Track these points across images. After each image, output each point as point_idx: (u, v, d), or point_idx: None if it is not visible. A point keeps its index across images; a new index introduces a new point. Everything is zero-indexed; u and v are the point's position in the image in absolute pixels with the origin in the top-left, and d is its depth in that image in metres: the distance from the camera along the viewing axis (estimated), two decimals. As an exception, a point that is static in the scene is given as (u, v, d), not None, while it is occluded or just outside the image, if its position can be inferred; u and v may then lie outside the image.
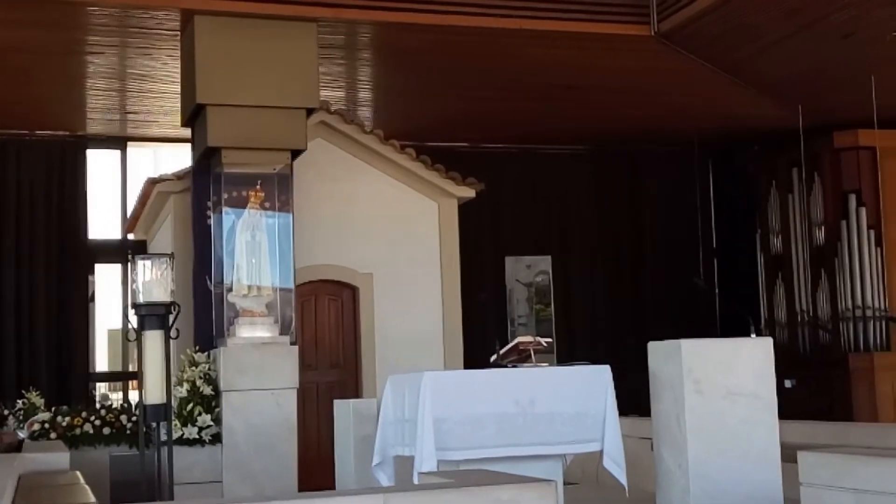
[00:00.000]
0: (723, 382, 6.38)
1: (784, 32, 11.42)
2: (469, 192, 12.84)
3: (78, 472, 8.04)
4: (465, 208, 12.96)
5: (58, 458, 8.41)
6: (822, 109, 13.70)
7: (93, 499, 6.86)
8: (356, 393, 11.53)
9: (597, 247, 16.32)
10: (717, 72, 12.49)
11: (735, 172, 16.60)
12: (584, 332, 14.68)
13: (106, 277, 14.99)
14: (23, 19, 10.25)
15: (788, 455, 5.89)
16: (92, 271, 14.86)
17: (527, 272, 15.54)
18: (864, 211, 14.47)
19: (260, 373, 10.31)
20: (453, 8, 10.92)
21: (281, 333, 10.59)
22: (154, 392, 7.72)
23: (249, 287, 10.57)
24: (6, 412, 10.48)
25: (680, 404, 6.36)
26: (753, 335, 7.60)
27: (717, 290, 16.88)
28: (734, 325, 15.78)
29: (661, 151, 16.42)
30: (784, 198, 15.48)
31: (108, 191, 14.96)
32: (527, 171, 15.85)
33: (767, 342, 6.69)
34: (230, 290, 10.53)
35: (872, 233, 14.42)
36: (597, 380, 7.13)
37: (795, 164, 14.86)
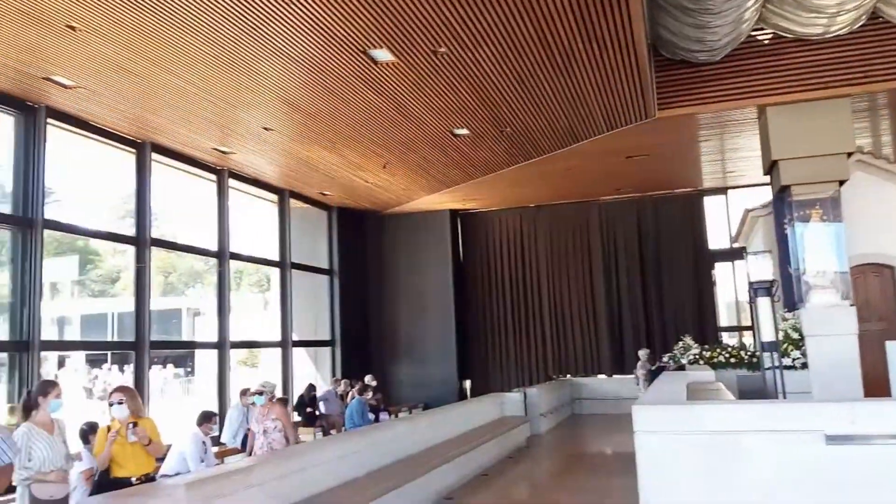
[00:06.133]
0: None
1: None
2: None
3: (720, 383, 8.17)
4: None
5: (707, 374, 8.62)
6: None
7: (733, 397, 6.95)
8: (903, 337, 10.03)
9: None
10: None
11: None
12: None
13: (721, 271, 15.12)
14: (658, 129, 10.64)
15: None
16: (713, 267, 15.01)
17: None
18: None
19: (828, 325, 9.43)
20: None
21: (842, 299, 9.65)
22: (767, 333, 7.56)
23: (817, 271, 9.82)
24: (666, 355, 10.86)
25: None
26: None
27: None
28: None
29: None
30: None
31: (720, 221, 14.89)
32: None
33: None
34: (804, 273, 9.85)
35: None
36: None
37: None
